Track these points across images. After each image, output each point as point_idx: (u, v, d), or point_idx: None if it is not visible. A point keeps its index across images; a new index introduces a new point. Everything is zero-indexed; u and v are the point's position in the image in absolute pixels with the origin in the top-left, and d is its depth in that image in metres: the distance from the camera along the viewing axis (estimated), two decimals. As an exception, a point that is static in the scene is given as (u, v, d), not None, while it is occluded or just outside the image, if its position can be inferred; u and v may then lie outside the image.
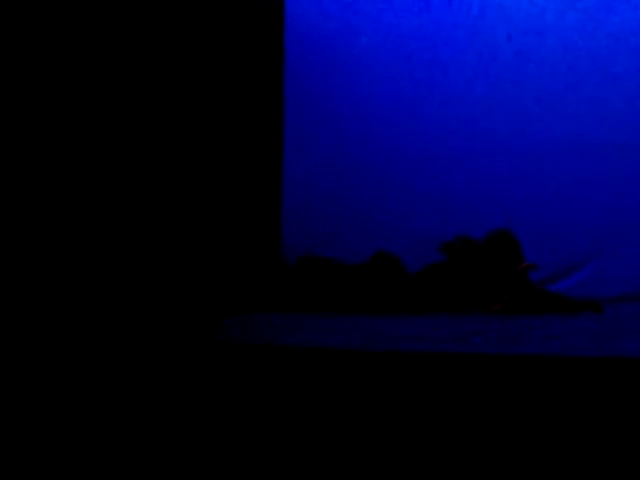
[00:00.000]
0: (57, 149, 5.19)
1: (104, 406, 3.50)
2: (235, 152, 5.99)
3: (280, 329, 4.42)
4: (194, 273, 5.60)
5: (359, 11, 6.38)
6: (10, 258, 4.94)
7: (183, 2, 5.71)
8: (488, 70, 6.28)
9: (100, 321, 4.49)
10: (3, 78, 4.97)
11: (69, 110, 5.24)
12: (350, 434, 3.33)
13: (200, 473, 3.35)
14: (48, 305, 4.83)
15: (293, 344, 3.70)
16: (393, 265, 5.54)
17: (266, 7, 6.16)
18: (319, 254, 5.91)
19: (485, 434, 3.25)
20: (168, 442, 3.40)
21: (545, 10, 6.22)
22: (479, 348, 3.63)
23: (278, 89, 6.28)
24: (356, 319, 4.86)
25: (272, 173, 6.25)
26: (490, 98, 6.27)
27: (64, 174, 5.22)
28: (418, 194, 6.31)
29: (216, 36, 5.88)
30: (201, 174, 5.81)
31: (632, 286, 6.10)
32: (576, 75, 6.19)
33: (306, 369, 3.46)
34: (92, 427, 3.45)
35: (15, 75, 5.02)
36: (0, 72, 4.96)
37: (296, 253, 6.09)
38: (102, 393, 3.53)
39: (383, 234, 6.20)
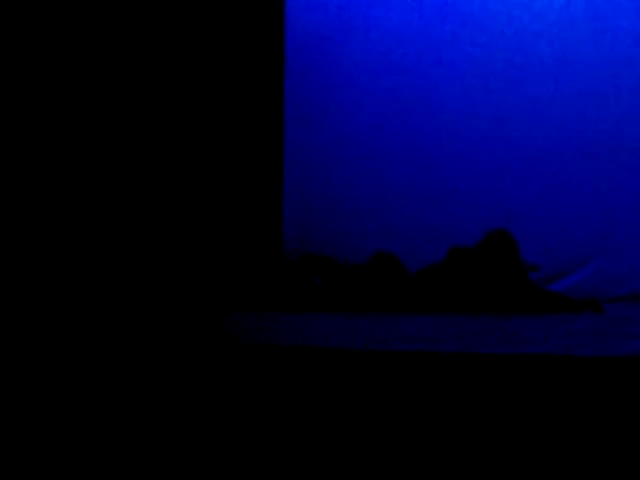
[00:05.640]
0: (57, 149, 5.20)
1: (104, 404, 3.50)
2: (235, 151, 5.99)
3: (280, 329, 4.42)
4: (195, 272, 5.60)
5: (360, 9, 6.38)
6: (10, 258, 4.94)
7: (183, 2, 5.71)
8: (489, 69, 6.27)
9: (100, 320, 4.49)
10: (3, 78, 4.98)
11: (69, 110, 5.25)
12: (350, 434, 3.33)
13: (200, 472, 3.34)
14: (48, 305, 4.83)
15: (293, 344, 3.69)
16: (393, 265, 5.54)
17: (266, 5, 6.16)
18: (320, 253, 5.91)
19: (485, 434, 3.25)
20: (168, 441, 3.39)
21: (547, 9, 6.22)
22: (479, 348, 3.63)
23: (278, 88, 6.28)
24: (356, 319, 4.86)
25: (273, 172, 6.25)
26: (491, 98, 6.27)
27: (64, 174, 5.22)
28: (418, 194, 6.31)
29: (216, 35, 5.88)
30: (202, 174, 5.81)
31: (632, 286, 6.10)
32: (578, 75, 6.19)
33: (306, 369, 3.46)
34: (92, 426, 3.45)
35: (15, 75, 5.02)
36: (0, 72, 4.96)
37: (297, 253, 6.09)
38: (102, 391, 3.52)
39: (383, 234, 6.20)
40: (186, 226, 5.69)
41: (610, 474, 3.13)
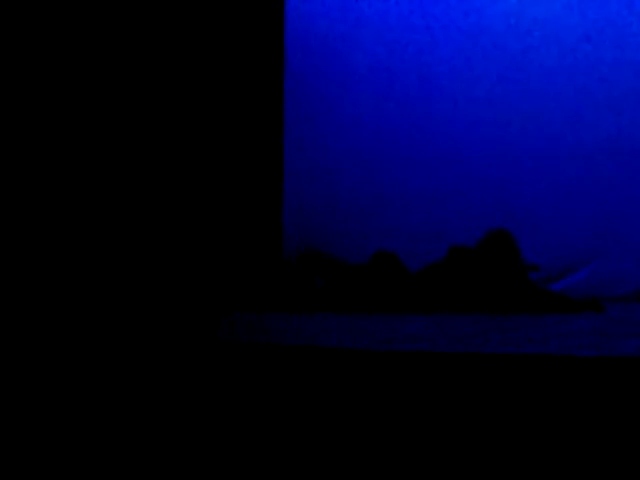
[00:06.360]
0: (57, 149, 5.20)
1: (104, 404, 3.50)
2: (236, 151, 6.00)
3: (280, 329, 4.42)
4: (195, 272, 5.60)
5: (360, 9, 6.38)
6: (10, 258, 4.94)
7: (183, 2, 5.71)
8: (490, 70, 6.28)
9: (100, 320, 4.49)
10: (3, 78, 4.98)
11: (70, 110, 5.25)
12: (350, 434, 3.33)
13: (200, 472, 3.35)
14: (48, 305, 4.83)
15: (293, 344, 3.70)
16: (394, 264, 5.54)
17: (266, 5, 6.17)
18: (320, 250, 5.91)
19: (485, 434, 3.25)
20: (168, 441, 3.40)
21: (546, 11, 6.22)
22: (479, 348, 3.63)
23: (278, 88, 6.28)
24: (356, 319, 4.86)
25: (273, 172, 6.25)
26: (491, 98, 6.27)
27: (65, 174, 5.22)
28: (419, 193, 6.31)
29: (216, 35, 5.88)
30: (202, 174, 5.81)
31: (632, 286, 6.10)
32: (577, 76, 6.19)
33: (306, 369, 3.46)
34: (92, 425, 3.45)
35: (15, 75, 5.02)
36: (0, 72, 4.96)
37: (297, 252, 6.09)
38: (102, 391, 3.53)
39: (383, 234, 6.20)
40: (186, 226, 5.69)
41: (610, 474, 3.13)
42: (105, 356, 3.63)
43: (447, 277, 5.43)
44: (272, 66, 6.21)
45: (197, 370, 3.54)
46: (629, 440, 3.15)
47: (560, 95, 6.22)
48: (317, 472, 3.29)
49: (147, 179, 5.54)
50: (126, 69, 5.46)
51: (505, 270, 5.45)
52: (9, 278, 4.90)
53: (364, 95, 6.40)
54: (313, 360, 3.49)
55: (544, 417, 3.25)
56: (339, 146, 6.41)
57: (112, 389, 3.53)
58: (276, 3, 6.24)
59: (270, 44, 6.19)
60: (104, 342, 3.75)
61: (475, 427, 3.27)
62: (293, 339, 3.94)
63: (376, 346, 3.69)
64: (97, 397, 3.52)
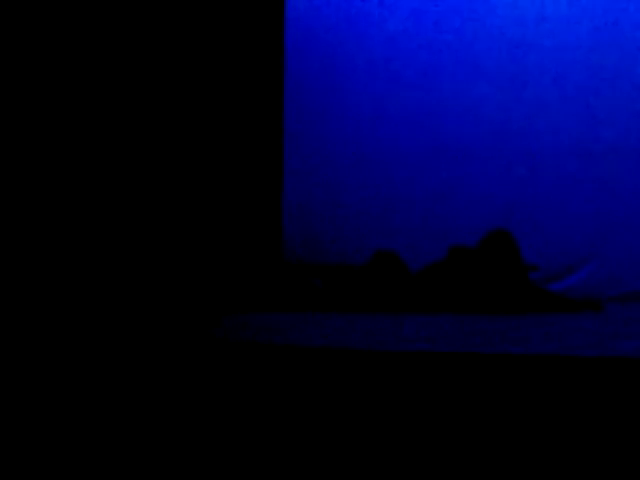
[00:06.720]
0: (57, 149, 5.20)
1: (103, 404, 3.50)
2: (236, 153, 6.00)
3: (280, 329, 4.42)
4: (195, 272, 5.60)
5: (360, 10, 6.38)
6: (10, 258, 4.94)
7: (184, 2, 5.72)
8: (489, 69, 6.28)
9: (101, 319, 4.50)
10: (3, 78, 4.98)
11: (69, 110, 5.25)
12: (350, 434, 3.33)
13: (199, 472, 3.35)
14: (48, 305, 4.83)
15: (293, 344, 3.70)
16: (394, 264, 5.54)
17: (266, 5, 6.17)
18: (320, 262, 5.94)
19: (485, 434, 3.25)
20: (167, 441, 3.40)
21: (546, 9, 6.22)
22: (479, 348, 3.63)
23: (278, 90, 6.29)
24: (356, 319, 4.86)
25: (273, 172, 6.26)
26: (491, 98, 6.27)
27: (64, 174, 5.22)
28: (419, 193, 6.32)
29: (216, 35, 5.88)
30: (202, 175, 5.82)
31: (632, 286, 6.10)
32: (577, 76, 6.19)
33: (306, 369, 3.46)
34: (91, 425, 3.45)
35: (15, 75, 5.03)
36: (0, 72, 4.96)
37: (297, 252, 6.10)
38: (102, 391, 3.53)
39: (383, 234, 6.20)
40: (186, 227, 5.69)
41: (610, 474, 3.13)
42: (104, 356, 3.63)
43: (447, 277, 5.43)
44: (272, 66, 6.22)
45: (196, 370, 3.54)
46: (629, 440, 3.15)
47: (560, 95, 6.22)
48: (316, 472, 3.29)
49: (147, 179, 5.54)
50: (125, 69, 5.47)
51: (505, 270, 5.45)
52: (9, 278, 4.90)
53: (364, 95, 6.40)
54: (313, 360, 3.49)
55: (544, 417, 3.25)
56: (339, 146, 6.41)
57: (111, 389, 3.53)
58: (276, 3, 6.25)
59: (270, 44, 6.19)
60: (103, 341, 3.75)
61: (475, 427, 3.27)
62: (293, 339, 3.94)
63: (376, 346, 3.69)
64: (95, 396, 3.52)
